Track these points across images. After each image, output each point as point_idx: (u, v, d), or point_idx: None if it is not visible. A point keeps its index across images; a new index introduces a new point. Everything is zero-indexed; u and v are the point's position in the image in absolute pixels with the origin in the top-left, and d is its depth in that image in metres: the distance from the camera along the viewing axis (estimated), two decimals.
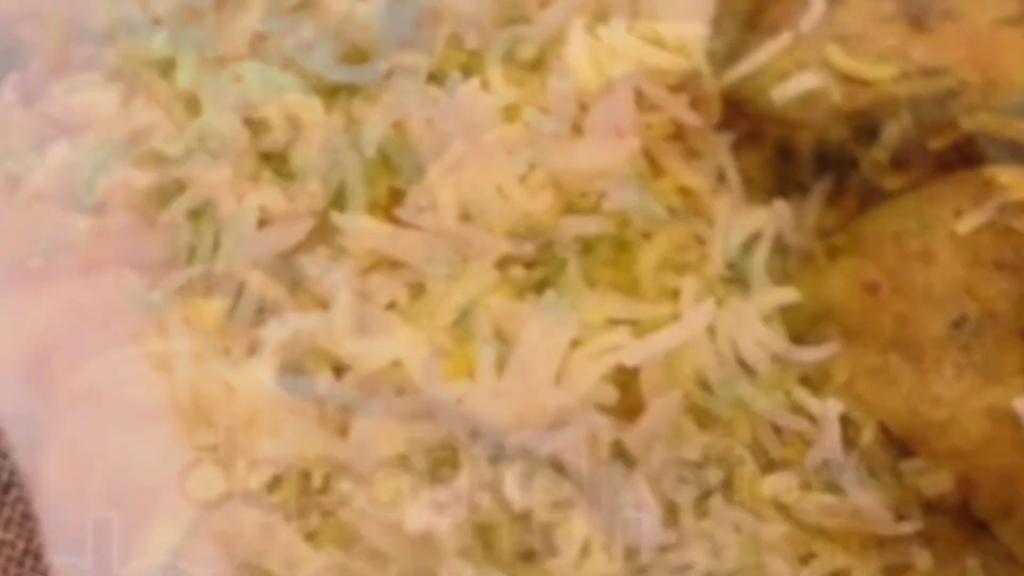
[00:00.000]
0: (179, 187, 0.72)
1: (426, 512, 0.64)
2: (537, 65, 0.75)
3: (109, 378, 0.69)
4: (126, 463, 0.67)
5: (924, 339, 0.71)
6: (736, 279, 0.76)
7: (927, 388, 0.71)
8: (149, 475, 0.68)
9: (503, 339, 0.68)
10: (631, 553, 0.65)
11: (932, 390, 0.71)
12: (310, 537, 0.68)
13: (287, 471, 0.68)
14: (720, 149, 0.79)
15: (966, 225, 0.72)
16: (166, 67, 0.73)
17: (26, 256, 0.67)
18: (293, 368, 0.69)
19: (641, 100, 0.75)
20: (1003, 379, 0.70)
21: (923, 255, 0.73)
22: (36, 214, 0.69)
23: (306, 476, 0.68)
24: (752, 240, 0.77)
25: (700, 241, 0.76)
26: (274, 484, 0.68)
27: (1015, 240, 0.72)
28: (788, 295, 0.75)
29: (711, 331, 0.72)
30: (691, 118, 0.76)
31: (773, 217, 0.77)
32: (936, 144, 0.76)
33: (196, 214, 0.72)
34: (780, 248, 0.78)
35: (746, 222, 0.77)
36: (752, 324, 0.73)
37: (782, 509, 0.71)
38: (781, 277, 0.77)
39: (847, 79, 0.76)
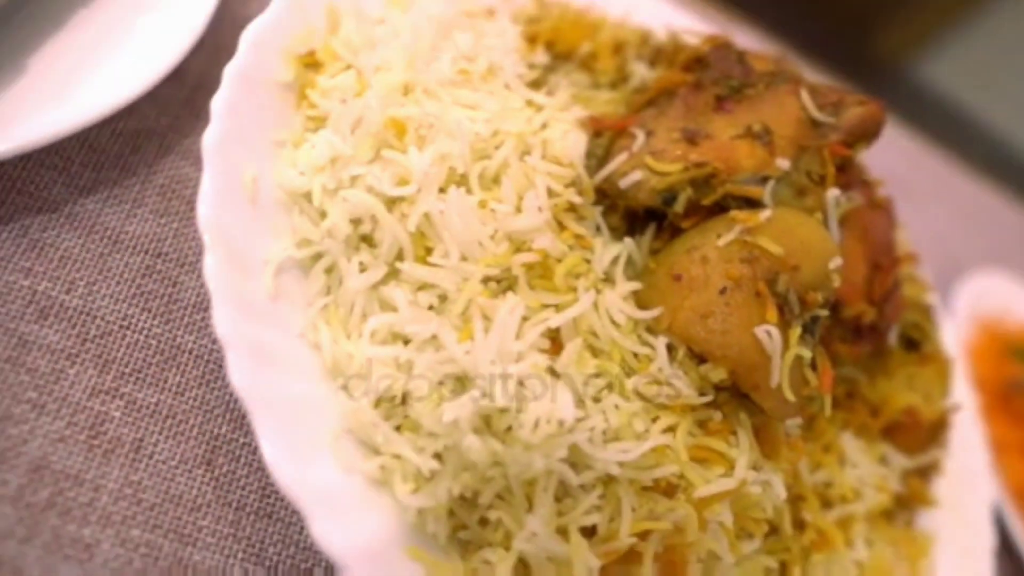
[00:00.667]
0: (318, 256, 0.72)
1: (454, 409, 0.64)
2: (496, 179, 0.74)
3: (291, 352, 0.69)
4: (301, 394, 0.67)
5: (705, 301, 0.71)
6: (608, 280, 0.75)
7: (709, 326, 0.71)
8: (314, 400, 0.68)
9: (487, 318, 0.68)
10: (561, 423, 0.65)
11: (711, 327, 0.71)
12: (397, 428, 0.68)
13: (383, 394, 0.67)
14: (596, 215, 0.78)
15: (722, 241, 0.73)
16: (307, 196, 0.73)
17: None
18: (382, 342, 0.69)
19: (550, 192, 0.75)
20: (748, 318, 0.70)
21: (702, 259, 0.73)
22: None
23: (392, 397, 0.67)
24: (615, 260, 0.76)
25: (588, 261, 0.75)
26: (377, 403, 0.68)
27: (748, 247, 0.72)
28: (634, 285, 0.75)
29: (596, 307, 0.72)
30: (577, 199, 0.76)
31: (625, 247, 0.77)
32: (706, 202, 0.77)
33: (328, 270, 0.72)
34: (631, 263, 0.78)
35: (611, 251, 0.76)
36: (617, 302, 0.73)
37: (640, 395, 0.71)
38: (632, 277, 0.76)
39: (656, 173, 0.77)
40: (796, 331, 0.72)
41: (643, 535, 0.69)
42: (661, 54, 0.95)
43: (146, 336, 0.71)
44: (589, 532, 0.68)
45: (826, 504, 0.87)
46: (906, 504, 0.97)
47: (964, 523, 1.02)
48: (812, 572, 0.85)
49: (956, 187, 1.64)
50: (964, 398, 1.12)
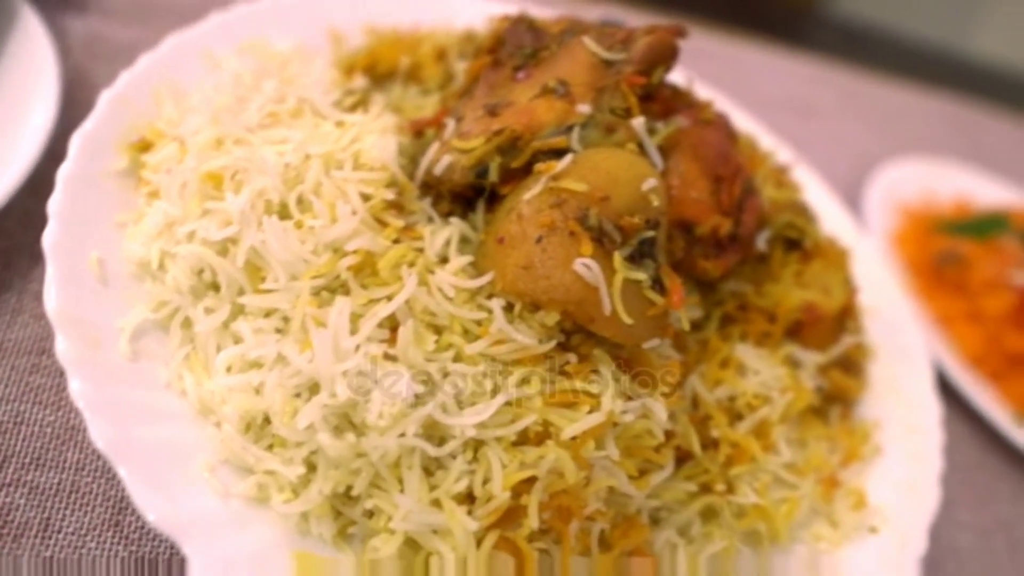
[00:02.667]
0: (175, 312, 0.74)
1: (306, 415, 0.65)
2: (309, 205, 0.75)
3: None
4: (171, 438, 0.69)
5: (525, 253, 0.71)
6: (443, 260, 0.76)
7: (533, 276, 0.70)
8: (186, 441, 0.69)
9: (321, 325, 0.69)
10: (404, 402, 0.65)
11: (535, 276, 0.70)
12: (269, 447, 0.69)
13: (247, 419, 0.69)
14: (424, 206, 0.79)
15: (529, 195, 0.73)
16: (148, 265, 0.76)
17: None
18: (239, 371, 0.70)
19: (365, 196, 0.76)
20: (566, 258, 0.70)
21: (518, 216, 0.73)
22: None
23: (255, 419, 0.69)
24: (448, 242, 0.77)
25: (419, 250, 0.75)
26: (246, 428, 0.69)
27: (555, 192, 0.72)
28: (466, 259, 0.74)
29: (429, 287, 0.73)
30: (389, 196, 0.77)
31: (455, 228, 0.77)
32: (516, 165, 0.77)
33: (184, 324, 0.74)
34: (467, 241, 0.78)
35: (442, 234, 0.77)
36: (447, 278, 0.72)
37: (486, 357, 0.71)
38: (468, 252, 0.77)
39: (464, 151, 0.78)
40: (619, 257, 0.71)
41: (524, 488, 0.68)
42: (483, 48, 0.97)
43: (40, 426, 0.75)
44: (470, 499, 0.68)
45: (737, 417, 0.84)
46: (835, 398, 0.93)
47: (907, 402, 0.97)
48: (737, 486, 0.83)
49: (867, 94, 1.60)
50: (887, 281, 1.08)
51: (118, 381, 0.69)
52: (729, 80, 1.39)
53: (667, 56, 0.82)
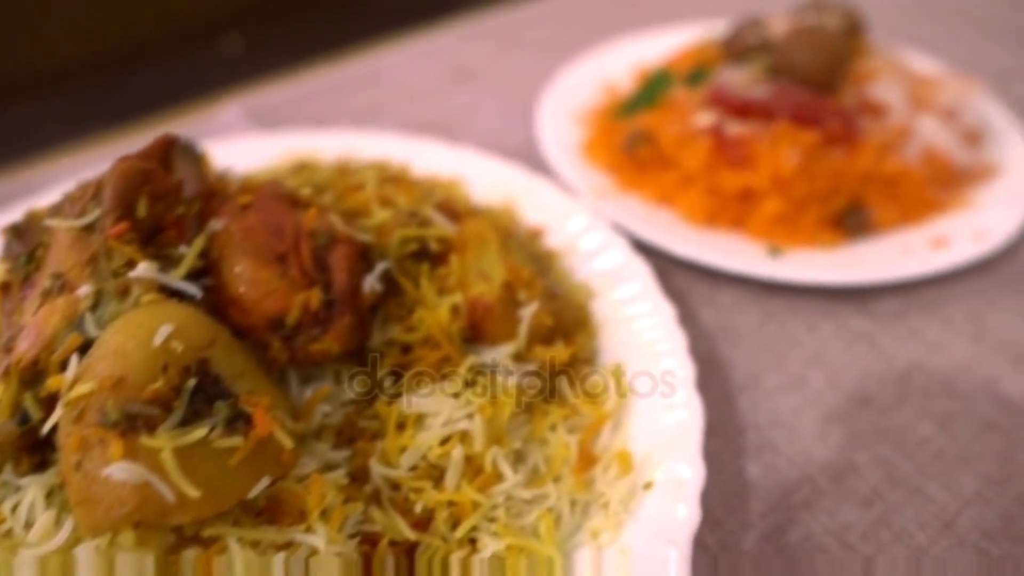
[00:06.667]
0: None
1: None
2: None
3: None
4: None
5: (76, 489, 0.62)
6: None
7: (91, 506, 0.62)
8: None
9: None
10: None
11: (92, 503, 0.61)
12: None
13: None
14: (7, 476, 0.72)
15: (55, 421, 0.65)
16: None
17: None
18: None
19: None
20: (103, 476, 0.61)
21: (60, 452, 0.65)
22: None
23: None
24: (31, 506, 0.69)
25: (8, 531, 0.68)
26: None
27: (70, 406, 0.64)
28: (49, 516, 0.67)
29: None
30: None
31: (35, 486, 0.69)
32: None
33: None
34: (55, 491, 0.71)
35: (25, 501, 0.69)
36: (28, 553, 0.65)
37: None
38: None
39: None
40: (152, 437, 0.62)
41: None
42: None
43: None
44: None
45: (441, 473, 0.76)
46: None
47: (637, 319, 0.88)
48: (478, 540, 0.74)
49: (525, 22, 1.51)
50: (571, 209, 1.00)
51: None
52: (368, 96, 1.32)
53: (140, 185, 0.74)
